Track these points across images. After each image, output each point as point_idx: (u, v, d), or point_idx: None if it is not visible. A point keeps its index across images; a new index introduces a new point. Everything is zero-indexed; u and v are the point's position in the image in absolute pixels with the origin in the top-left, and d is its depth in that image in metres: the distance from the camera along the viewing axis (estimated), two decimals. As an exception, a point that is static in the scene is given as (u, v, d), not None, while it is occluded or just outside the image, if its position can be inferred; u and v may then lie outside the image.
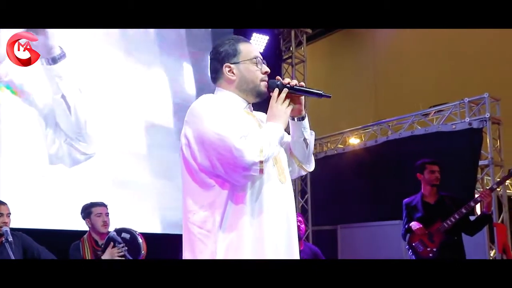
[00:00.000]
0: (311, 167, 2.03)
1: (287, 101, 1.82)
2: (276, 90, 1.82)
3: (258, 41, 7.29)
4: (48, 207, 5.12)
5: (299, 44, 7.98)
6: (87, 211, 3.93)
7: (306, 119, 1.92)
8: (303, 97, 1.87)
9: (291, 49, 7.91)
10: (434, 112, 6.63)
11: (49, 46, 5.38)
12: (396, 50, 10.11)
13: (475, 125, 5.89)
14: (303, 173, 2.04)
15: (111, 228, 3.88)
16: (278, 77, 1.89)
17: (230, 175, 1.68)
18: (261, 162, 1.64)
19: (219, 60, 1.89)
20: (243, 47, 1.89)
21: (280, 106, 1.80)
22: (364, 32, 10.51)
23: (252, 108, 1.96)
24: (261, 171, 1.65)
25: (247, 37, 7.05)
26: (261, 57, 1.92)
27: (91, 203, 3.99)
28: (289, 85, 1.82)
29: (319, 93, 1.81)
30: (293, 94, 1.83)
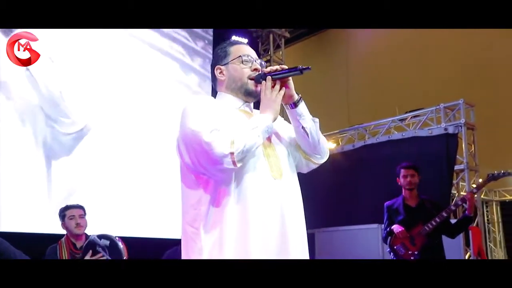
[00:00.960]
0: (321, 159, 1.93)
1: (276, 88, 1.76)
2: (264, 83, 1.78)
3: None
4: (27, 209, 4.86)
5: (277, 47, 8.03)
6: (62, 214, 3.86)
7: (302, 106, 1.83)
8: (291, 82, 1.80)
9: (269, 52, 7.95)
10: (411, 117, 6.75)
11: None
12: (369, 56, 10.27)
13: (450, 130, 6.02)
14: (313, 166, 1.94)
15: (91, 231, 3.77)
16: (263, 69, 1.86)
17: (207, 169, 1.65)
18: (232, 154, 1.59)
19: (213, 65, 1.92)
20: (233, 48, 1.89)
21: (269, 95, 1.76)
22: (338, 37, 10.65)
23: (252, 107, 1.92)
24: (234, 163, 1.60)
25: (227, 40, 7.05)
26: (254, 57, 1.89)
27: (66, 206, 3.91)
28: (270, 73, 1.78)
29: (298, 69, 1.74)
30: (279, 80, 1.77)
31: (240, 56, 1.86)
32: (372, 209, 5.72)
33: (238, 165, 1.62)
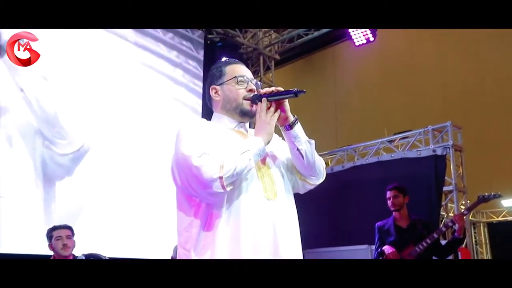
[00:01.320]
0: (317, 180, 1.91)
1: (271, 110, 1.76)
2: (259, 104, 1.78)
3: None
4: (25, 230, 4.75)
5: (267, 69, 8.11)
6: (49, 235, 3.83)
7: (298, 128, 1.81)
8: (286, 104, 1.79)
9: (259, 74, 8.01)
10: (399, 139, 6.80)
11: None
12: (357, 77, 10.38)
13: (439, 152, 6.07)
14: (310, 187, 1.92)
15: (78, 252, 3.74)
16: (259, 89, 1.85)
17: (198, 193, 1.65)
18: (221, 178, 1.59)
19: (208, 84, 1.91)
20: (229, 68, 1.88)
21: (264, 118, 1.75)
22: (326, 59, 10.77)
23: (248, 127, 1.91)
24: (224, 187, 1.60)
25: (217, 61, 7.10)
26: (250, 77, 1.88)
27: (53, 226, 3.89)
28: (265, 94, 1.78)
29: (293, 92, 1.74)
30: (275, 102, 1.77)
31: (235, 76, 1.85)
32: (362, 230, 5.72)
33: (228, 188, 1.62)
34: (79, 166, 5.27)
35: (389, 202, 4.33)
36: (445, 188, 6.04)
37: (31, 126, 5.01)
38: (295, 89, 1.74)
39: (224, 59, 6.70)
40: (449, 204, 6.29)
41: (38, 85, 5.02)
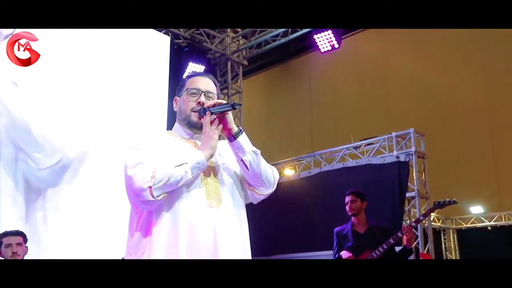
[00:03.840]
0: (265, 190, 1.90)
1: (215, 123, 1.80)
2: (204, 118, 1.81)
3: (194, 70, 7.26)
4: None
5: (235, 75, 8.08)
6: None
7: (242, 138, 1.82)
8: (229, 115, 1.82)
9: (227, 80, 7.98)
10: (365, 145, 6.85)
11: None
12: (331, 86, 10.47)
13: (402, 158, 6.13)
14: (259, 197, 1.92)
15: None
16: (206, 102, 1.88)
17: (134, 201, 1.71)
18: (150, 188, 1.63)
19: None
20: (188, 81, 1.95)
21: (208, 132, 1.80)
22: (300, 67, 10.84)
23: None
24: (153, 196, 1.64)
25: (184, 66, 7.05)
26: (204, 89, 1.91)
27: (4, 232, 3.71)
28: (208, 108, 1.81)
29: (230, 105, 1.78)
30: (218, 114, 1.80)
31: (187, 89, 1.92)
32: (327, 236, 5.72)
33: (158, 198, 1.66)
34: (64, 179, 4.92)
35: (347, 207, 4.36)
36: (408, 194, 6.10)
37: (8, 138, 4.60)
38: (232, 101, 1.81)
39: (190, 64, 6.62)
40: (412, 210, 6.35)
41: (8, 91, 4.61)
